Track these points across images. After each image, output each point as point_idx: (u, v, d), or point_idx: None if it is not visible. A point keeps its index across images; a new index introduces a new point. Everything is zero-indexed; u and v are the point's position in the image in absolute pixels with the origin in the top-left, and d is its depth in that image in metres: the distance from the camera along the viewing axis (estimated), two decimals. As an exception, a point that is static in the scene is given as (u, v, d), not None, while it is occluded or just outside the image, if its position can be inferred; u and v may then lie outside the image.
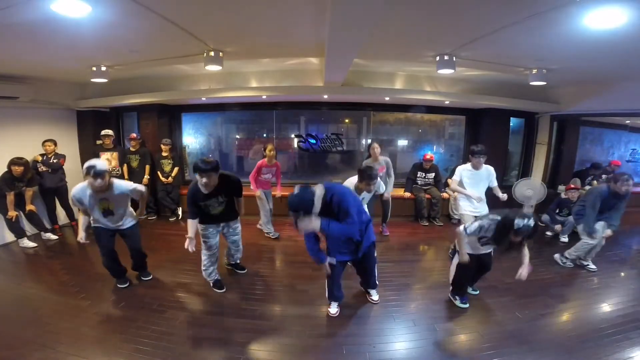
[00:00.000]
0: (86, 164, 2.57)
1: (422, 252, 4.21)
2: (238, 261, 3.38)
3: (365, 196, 3.25)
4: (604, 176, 5.65)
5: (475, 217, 3.46)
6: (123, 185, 2.83)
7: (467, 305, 2.74)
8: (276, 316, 2.69)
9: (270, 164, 4.28)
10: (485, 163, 3.46)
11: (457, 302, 2.77)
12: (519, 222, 2.15)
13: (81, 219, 2.85)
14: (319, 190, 2.18)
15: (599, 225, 3.43)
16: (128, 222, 2.99)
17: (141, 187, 2.94)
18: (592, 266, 3.51)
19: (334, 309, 2.68)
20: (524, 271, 2.40)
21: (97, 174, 2.52)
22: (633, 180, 3.33)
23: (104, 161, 2.68)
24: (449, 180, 5.29)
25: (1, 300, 2.86)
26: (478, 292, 2.97)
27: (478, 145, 3.44)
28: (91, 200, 2.70)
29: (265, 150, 4.29)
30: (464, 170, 3.51)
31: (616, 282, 3.32)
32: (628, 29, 2.24)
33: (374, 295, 2.88)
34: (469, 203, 3.48)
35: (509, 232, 2.22)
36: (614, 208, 3.40)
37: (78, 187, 2.70)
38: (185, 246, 2.73)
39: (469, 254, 2.58)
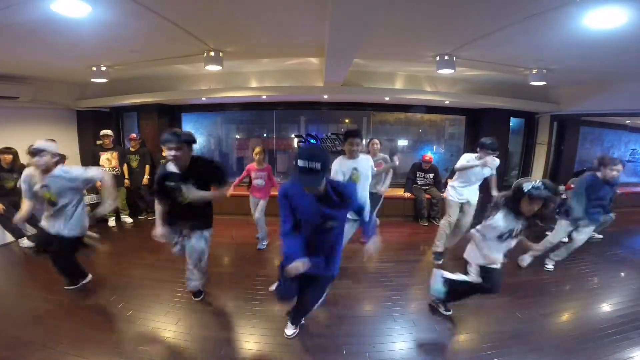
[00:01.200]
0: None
1: (422, 252, 4.20)
2: (194, 288, 2.66)
3: (360, 177, 2.91)
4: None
5: (461, 204, 3.46)
6: (71, 171, 2.48)
7: (450, 313, 2.62)
8: (276, 316, 2.69)
9: (259, 168, 3.90)
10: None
11: (441, 310, 2.64)
12: (527, 185, 1.95)
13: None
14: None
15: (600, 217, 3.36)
16: (69, 229, 2.59)
17: (99, 176, 2.52)
18: (550, 267, 3.50)
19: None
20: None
21: (35, 152, 2.39)
22: (624, 165, 3.13)
23: (50, 142, 2.48)
24: (449, 181, 5.28)
25: (1, 300, 2.86)
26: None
27: (489, 138, 3.15)
28: (35, 187, 2.49)
29: (253, 152, 3.87)
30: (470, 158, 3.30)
31: (616, 282, 3.32)
32: (628, 29, 2.24)
33: (289, 329, 2.35)
34: (456, 192, 3.48)
35: (520, 201, 2.01)
36: (606, 198, 3.23)
37: (25, 171, 2.59)
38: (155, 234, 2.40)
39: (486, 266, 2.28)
